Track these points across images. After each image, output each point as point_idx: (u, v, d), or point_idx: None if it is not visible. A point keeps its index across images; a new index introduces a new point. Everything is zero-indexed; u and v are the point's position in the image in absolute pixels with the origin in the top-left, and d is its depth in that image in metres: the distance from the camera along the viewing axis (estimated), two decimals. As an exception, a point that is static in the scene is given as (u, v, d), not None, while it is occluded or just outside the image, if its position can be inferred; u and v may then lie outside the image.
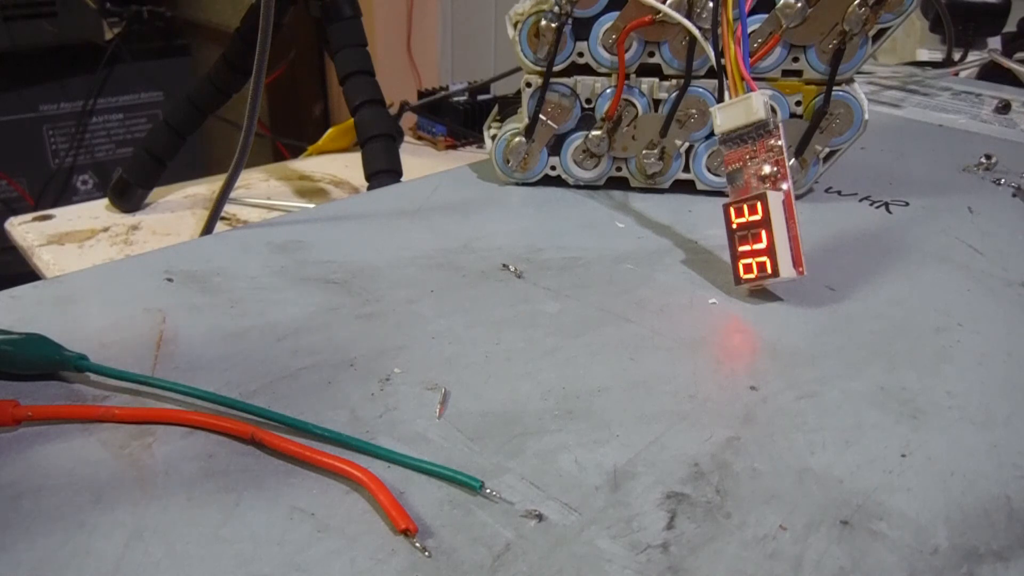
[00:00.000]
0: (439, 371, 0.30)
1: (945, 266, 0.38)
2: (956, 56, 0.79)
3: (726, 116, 0.36)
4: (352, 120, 0.62)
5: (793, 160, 0.44)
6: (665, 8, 0.39)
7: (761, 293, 0.36)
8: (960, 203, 0.46)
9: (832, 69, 0.41)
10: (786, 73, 0.43)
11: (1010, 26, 0.83)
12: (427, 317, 0.33)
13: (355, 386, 0.29)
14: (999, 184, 0.49)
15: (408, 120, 0.87)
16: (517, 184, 0.47)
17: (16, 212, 0.81)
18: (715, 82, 0.41)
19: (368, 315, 0.33)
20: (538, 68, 0.43)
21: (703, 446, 0.26)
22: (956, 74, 0.77)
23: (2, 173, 1.31)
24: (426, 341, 0.32)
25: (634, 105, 0.44)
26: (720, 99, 0.37)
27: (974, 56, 0.80)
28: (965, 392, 0.29)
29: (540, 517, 0.23)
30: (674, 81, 0.43)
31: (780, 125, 0.35)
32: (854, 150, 0.47)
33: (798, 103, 0.43)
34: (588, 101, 0.44)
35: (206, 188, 0.73)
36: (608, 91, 0.43)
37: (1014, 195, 0.47)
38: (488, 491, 0.24)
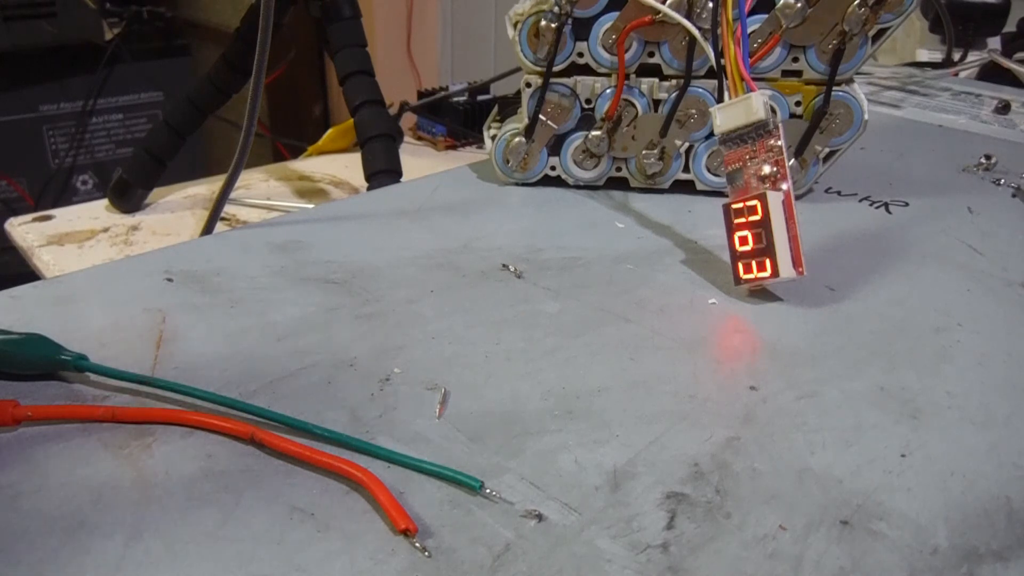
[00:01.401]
0: (439, 371, 0.30)
1: (945, 266, 0.38)
2: (956, 56, 0.79)
3: (726, 116, 0.36)
4: (352, 120, 0.62)
5: (793, 160, 0.44)
6: (665, 8, 0.39)
7: (761, 293, 0.36)
8: (960, 203, 0.46)
9: (832, 69, 0.41)
10: (786, 73, 0.43)
11: (1010, 26, 0.83)
12: (427, 317, 0.33)
13: (355, 386, 0.29)
14: (999, 184, 0.49)
15: (408, 120, 0.86)
16: (517, 184, 0.47)
17: (16, 212, 0.81)
18: (715, 82, 0.41)
19: (368, 315, 0.33)
20: (538, 68, 0.43)
21: (703, 446, 0.26)
22: (956, 74, 0.77)
23: (2, 173, 1.31)
24: (426, 341, 0.32)
25: (634, 105, 0.44)
26: (720, 99, 0.37)
27: (974, 56, 0.80)
28: (965, 392, 0.29)
29: (540, 517, 0.23)
30: (674, 81, 0.43)
31: (780, 125, 0.35)
32: (854, 150, 0.47)
33: (798, 103, 0.43)
34: (588, 101, 0.44)
35: (206, 188, 0.73)
36: (608, 91, 0.43)
37: (1014, 195, 0.47)
38: (488, 491, 0.24)
